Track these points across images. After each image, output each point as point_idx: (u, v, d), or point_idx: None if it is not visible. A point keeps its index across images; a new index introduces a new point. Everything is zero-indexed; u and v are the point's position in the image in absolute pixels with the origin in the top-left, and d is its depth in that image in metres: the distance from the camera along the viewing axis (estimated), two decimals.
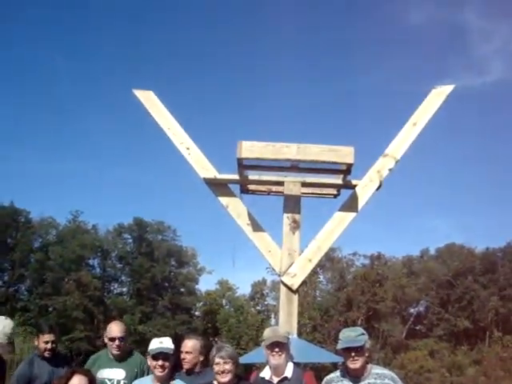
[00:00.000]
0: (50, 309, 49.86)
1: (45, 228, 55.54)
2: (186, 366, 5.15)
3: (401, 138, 7.23)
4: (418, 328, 65.00)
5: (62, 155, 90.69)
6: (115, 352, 5.47)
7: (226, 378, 4.43)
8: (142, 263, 54.50)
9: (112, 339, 5.47)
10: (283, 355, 4.64)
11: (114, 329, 5.54)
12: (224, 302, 62.99)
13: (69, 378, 3.98)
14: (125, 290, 58.19)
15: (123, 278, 58.31)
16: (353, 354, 4.27)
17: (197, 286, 60.74)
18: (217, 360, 4.46)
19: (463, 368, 57.90)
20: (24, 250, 52.14)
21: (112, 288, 58.07)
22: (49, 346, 5.67)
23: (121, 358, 5.50)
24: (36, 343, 5.84)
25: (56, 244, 52.60)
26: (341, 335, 4.44)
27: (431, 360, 57.76)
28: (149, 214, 66.33)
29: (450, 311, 62.74)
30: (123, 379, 5.35)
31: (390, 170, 7.11)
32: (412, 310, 65.99)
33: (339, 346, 4.37)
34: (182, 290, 57.76)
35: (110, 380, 5.37)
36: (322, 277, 64.34)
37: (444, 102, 7.31)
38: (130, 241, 57.97)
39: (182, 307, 55.47)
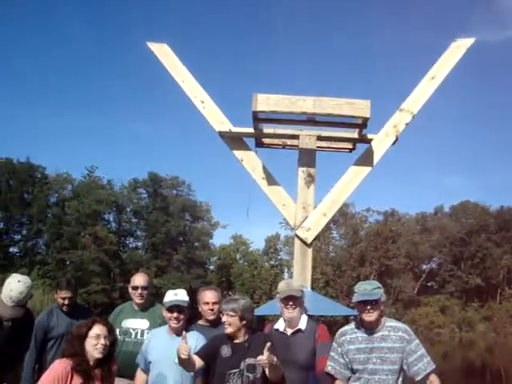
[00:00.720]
0: (68, 262, 50.63)
1: (60, 183, 55.97)
2: (212, 316, 5.14)
3: (418, 92, 7.12)
4: (429, 284, 65.51)
5: (77, 111, 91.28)
6: (138, 301, 5.57)
7: (228, 329, 4.50)
8: (156, 218, 54.97)
9: (135, 288, 5.57)
10: (297, 308, 4.66)
11: (138, 278, 5.65)
12: (238, 256, 63.65)
13: (90, 327, 4.04)
14: (140, 244, 58.94)
15: (138, 232, 58.98)
16: (368, 307, 4.29)
17: (211, 241, 61.45)
18: (223, 312, 4.54)
19: (473, 324, 58.54)
20: (41, 205, 52.70)
21: (127, 242, 58.78)
22: (66, 301, 5.83)
23: (144, 308, 5.59)
24: (55, 296, 6.00)
25: (72, 199, 53.06)
26: (356, 288, 4.44)
27: (442, 316, 58.41)
28: (163, 168, 66.80)
29: (462, 268, 63.07)
30: (147, 329, 5.43)
31: (406, 124, 7.03)
32: (424, 267, 66.40)
33: (355, 298, 4.38)
34: (197, 244, 58.33)
35: (134, 329, 5.48)
36: (335, 232, 64.80)
37: (464, 56, 7.15)
38: (145, 196, 58.38)
39: (197, 261, 56.11)
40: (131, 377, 5.23)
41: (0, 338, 4.81)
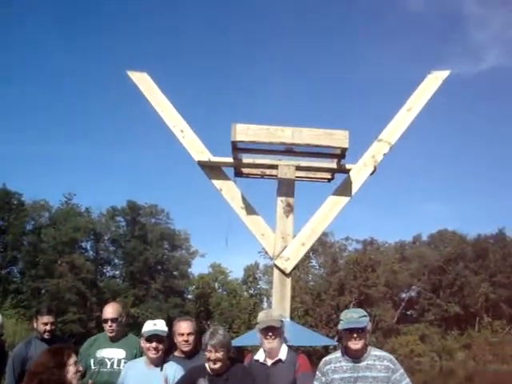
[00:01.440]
0: (43, 291, 49.82)
1: (37, 210, 55.37)
2: (187, 348, 5.07)
3: (395, 123, 7.22)
4: (409, 313, 65.56)
5: (55, 137, 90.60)
6: (110, 334, 5.47)
7: (217, 365, 4.44)
8: (135, 246, 54.53)
9: (105, 321, 5.48)
10: (277, 339, 4.64)
11: (107, 310, 5.54)
12: (217, 285, 63.24)
13: (69, 355, 3.96)
14: (118, 272, 58.33)
15: (116, 260, 58.44)
16: (355, 335, 4.29)
17: (190, 270, 61.04)
18: (209, 348, 4.44)
19: (453, 352, 58.59)
20: (16, 232, 51.95)
21: (105, 271, 58.14)
22: (48, 327, 5.76)
23: (117, 339, 5.49)
24: (35, 325, 5.88)
25: (49, 226, 52.49)
26: (343, 316, 4.44)
27: (422, 344, 58.41)
28: (142, 197, 66.40)
29: (441, 296, 63.28)
30: (123, 358, 5.34)
31: (384, 154, 7.10)
32: (404, 295, 66.49)
33: (341, 326, 4.37)
34: (175, 273, 57.91)
35: (109, 359, 5.37)
36: (314, 261, 64.76)
37: (439, 88, 7.28)
38: (123, 224, 57.97)
39: (175, 290, 55.64)
40: None
41: None
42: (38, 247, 51.12)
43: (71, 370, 3.91)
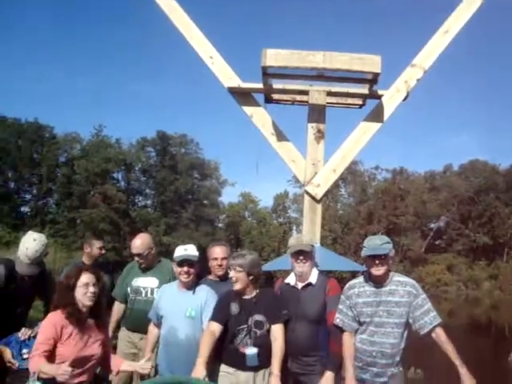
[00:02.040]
0: (78, 221, 51.09)
1: (69, 143, 56.05)
2: (221, 272, 5.20)
3: (430, 47, 6.96)
4: (437, 243, 65.64)
5: (85, 70, 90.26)
6: (142, 266, 5.66)
7: (236, 285, 4.57)
8: (165, 176, 55.11)
9: (133, 255, 5.66)
10: (308, 263, 4.69)
11: (134, 245, 5.67)
12: (246, 214, 63.99)
13: (78, 277, 4.13)
14: (149, 202, 59.32)
15: (147, 190, 59.29)
16: (377, 262, 4.33)
17: (220, 199, 61.70)
18: (230, 268, 4.62)
19: (479, 282, 58.90)
20: (50, 164, 52.96)
21: (136, 200, 59.14)
22: (103, 251, 6.24)
23: (150, 268, 5.66)
24: (88, 250, 6.18)
25: (81, 158, 53.19)
26: (366, 243, 4.48)
27: (449, 274, 58.74)
28: (172, 127, 66.37)
29: (469, 227, 63.10)
30: (156, 287, 5.50)
31: (417, 80, 6.91)
32: (432, 225, 66.45)
33: (364, 252, 4.42)
34: (205, 202, 58.59)
35: (144, 288, 5.57)
36: (343, 190, 64.74)
37: (479, 9, 6.98)
38: (154, 154, 58.42)
39: (206, 219, 56.47)
40: (145, 332, 5.33)
41: (20, 294, 4.89)
42: (72, 179, 52.09)
43: (80, 291, 4.08)
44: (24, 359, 4.61)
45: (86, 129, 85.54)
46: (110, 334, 5.46)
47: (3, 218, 47.37)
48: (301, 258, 4.68)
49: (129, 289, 5.63)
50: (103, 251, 6.28)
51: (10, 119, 53.31)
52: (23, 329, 4.74)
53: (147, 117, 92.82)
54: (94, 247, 6.20)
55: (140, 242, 5.65)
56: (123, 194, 53.93)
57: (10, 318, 4.84)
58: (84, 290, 4.09)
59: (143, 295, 5.55)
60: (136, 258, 5.63)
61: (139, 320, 5.37)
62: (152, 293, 5.50)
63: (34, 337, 4.66)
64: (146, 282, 5.59)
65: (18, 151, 51.86)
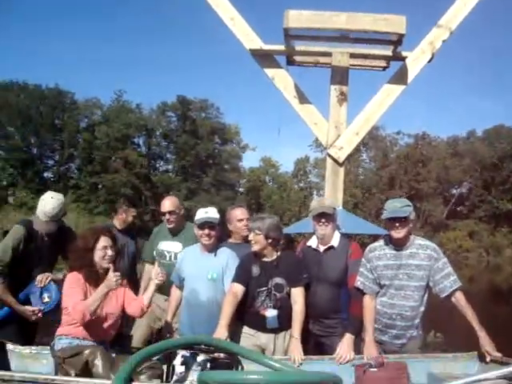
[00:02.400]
0: (100, 186, 51.57)
1: (90, 108, 56.14)
2: (244, 233, 5.20)
3: (457, 7, 6.77)
4: (459, 209, 65.11)
5: (105, 34, 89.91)
6: (168, 225, 5.66)
7: (254, 247, 4.59)
8: (186, 141, 55.16)
9: (163, 213, 5.66)
10: (330, 225, 4.67)
11: (164, 203, 5.69)
12: (267, 178, 63.98)
13: (96, 239, 4.20)
14: (170, 167, 59.50)
15: (168, 155, 59.43)
16: (397, 224, 4.30)
17: (240, 163, 61.72)
18: (251, 230, 4.62)
19: (501, 249, 58.49)
20: (71, 130, 53.24)
21: (158, 165, 59.43)
22: (128, 219, 6.16)
23: (176, 232, 5.69)
24: (122, 216, 6.16)
25: (102, 124, 53.39)
26: (386, 205, 4.45)
27: (470, 240, 58.41)
28: (192, 91, 66.10)
29: (492, 193, 62.40)
30: (180, 252, 5.51)
31: (443, 41, 6.75)
32: (454, 191, 65.84)
33: (384, 215, 4.39)
34: (226, 166, 58.70)
35: (168, 252, 5.63)
36: (365, 155, 64.24)
37: None
38: (174, 119, 58.35)
39: (226, 184, 56.64)
40: (168, 295, 5.38)
41: (41, 254, 4.95)
42: (93, 144, 52.39)
43: (98, 254, 4.16)
44: (45, 303, 4.74)
45: (106, 94, 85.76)
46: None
47: (27, 184, 48.04)
48: (323, 220, 4.66)
49: (154, 252, 5.71)
50: (135, 220, 6.32)
51: (31, 86, 53.51)
52: (38, 276, 4.85)
53: (167, 82, 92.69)
54: (130, 214, 6.22)
55: (171, 200, 5.73)
56: (144, 159, 54.13)
57: (31, 277, 4.91)
58: (102, 253, 4.17)
59: (167, 259, 5.59)
60: (167, 216, 5.62)
61: (163, 284, 5.43)
62: (176, 257, 5.53)
63: (52, 280, 4.85)
64: (170, 247, 5.64)
65: (39, 117, 52.19)
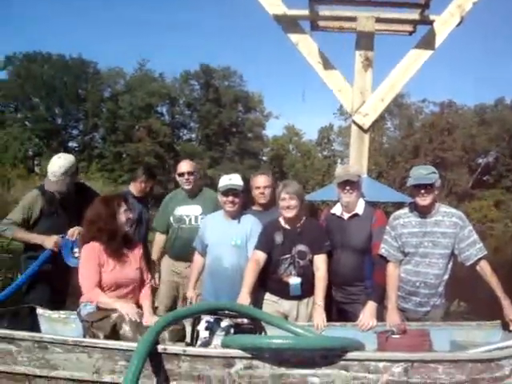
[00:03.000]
0: (124, 155, 51.92)
1: (113, 78, 56.24)
2: (263, 200, 5.18)
3: None
4: (485, 178, 64.16)
5: (127, 3, 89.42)
6: (186, 187, 5.59)
7: (291, 213, 4.51)
8: (209, 109, 55.08)
9: (181, 174, 5.58)
10: (354, 193, 4.63)
11: (183, 164, 5.65)
12: (291, 147, 63.70)
13: (118, 204, 4.22)
14: (193, 135, 59.52)
15: (191, 124, 59.44)
16: (422, 191, 4.25)
17: (264, 132, 61.44)
18: (283, 195, 4.52)
19: None
20: (95, 100, 53.46)
21: (181, 134, 59.52)
22: (146, 189, 6.12)
23: (194, 194, 5.64)
24: (141, 186, 6.12)
25: (125, 93, 53.49)
26: (412, 172, 4.39)
27: (496, 210, 57.69)
28: (215, 59, 65.66)
29: None
30: (200, 214, 5.51)
31: (473, 3, 6.55)
32: (480, 160, 64.79)
33: (409, 182, 4.34)
34: (250, 135, 58.50)
35: (187, 216, 5.56)
36: (389, 123, 63.47)
37: None
38: (197, 87, 58.18)
39: (250, 152, 56.54)
40: (190, 260, 5.39)
41: (58, 213, 5.05)
42: (117, 113, 52.61)
43: (121, 218, 4.17)
44: (75, 257, 4.79)
45: (129, 63, 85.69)
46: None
47: (52, 154, 48.41)
48: (347, 188, 4.62)
49: (171, 218, 5.61)
50: (146, 189, 6.19)
51: (55, 56, 53.74)
52: (70, 229, 4.93)
53: (190, 50, 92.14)
54: (147, 186, 6.19)
55: (188, 162, 5.70)
56: (168, 128, 54.26)
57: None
58: (125, 216, 4.19)
59: (187, 223, 5.55)
60: (185, 177, 5.56)
61: (184, 248, 5.43)
62: (196, 220, 5.51)
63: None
64: (189, 210, 5.58)
65: (63, 88, 52.48)
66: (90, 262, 4.08)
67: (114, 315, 3.85)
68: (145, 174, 6.11)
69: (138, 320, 3.88)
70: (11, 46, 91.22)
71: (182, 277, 5.59)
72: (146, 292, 4.33)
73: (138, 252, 4.37)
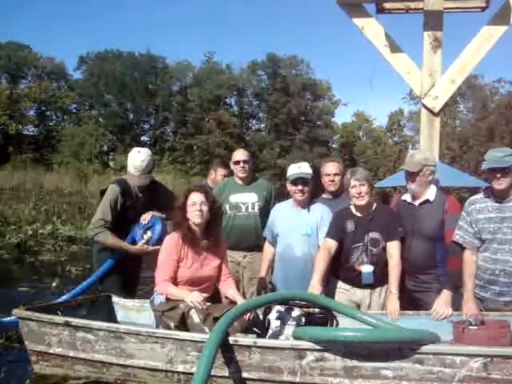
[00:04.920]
0: (194, 147, 52.69)
1: (181, 71, 57.04)
2: (333, 187, 5.15)
3: None
4: None
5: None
6: (241, 174, 5.60)
7: (363, 200, 4.44)
8: (277, 99, 54.99)
9: (236, 162, 5.59)
10: (417, 182, 4.47)
11: (238, 153, 5.68)
12: (361, 133, 62.83)
13: (187, 196, 4.27)
14: (263, 125, 59.63)
15: (260, 114, 59.47)
16: (498, 175, 4.06)
17: (333, 119, 60.79)
18: (353, 183, 4.45)
19: None
20: (164, 94, 54.45)
21: (250, 125, 59.73)
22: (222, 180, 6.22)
23: (248, 182, 5.64)
24: (212, 176, 6.43)
25: (193, 86, 54.17)
26: (487, 155, 4.21)
27: None
28: (281, 48, 65.43)
29: None
30: (257, 201, 5.51)
31: None
32: None
33: (484, 166, 4.16)
34: (319, 123, 58.02)
35: (243, 203, 5.53)
36: (462, 106, 61.39)
37: None
38: (265, 77, 58.17)
39: (320, 140, 56.11)
40: (247, 249, 5.48)
41: (136, 207, 5.13)
42: (186, 106, 53.42)
43: (190, 210, 4.22)
44: (149, 239, 4.95)
45: (196, 56, 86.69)
46: None
47: (126, 148, 49.91)
48: (412, 176, 4.50)
49: (227, 206, 5.55)
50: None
51: (125, 53, 55.21)
52: (143, 215, 5.06)
53: (257, 40, 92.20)
54: (219, 174, 6.37)
55: (243, 151, 5.74)
56: (237, 119, 54.57)
57: (127, 233, 5.11)
58: (192, 209, 4.22)
59: (243, 210, 5.52)
60: (241, 165, 5.57)
61: (241, 235, 5.46)
62: (253, 207, 5.51)
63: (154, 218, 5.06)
64: (244, 198, 5.56)
65: (134, 83, 53.77)
66: (169, 253, 4.17)
67: (182, 305, 3.93)
68: (215, 163, 6.24)
69: (204, 307, 3.92)
70: (84, 47, 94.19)
71: (242, 267, 5.57)
72: (228, 283, 4.38)
73: (220, 248, 4.42)
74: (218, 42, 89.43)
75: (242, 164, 5.58)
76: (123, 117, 54.96)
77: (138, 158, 5.06)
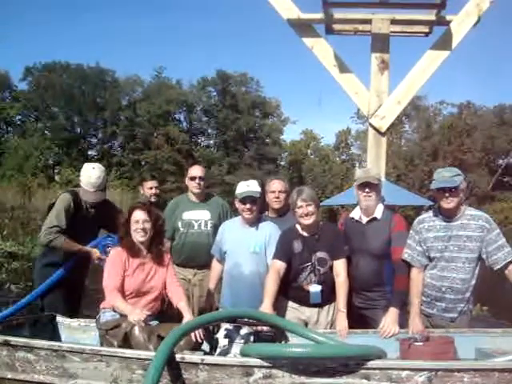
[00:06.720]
0: (143, 163, 52.18)
1: (131, 86, 56.57)
2: (278, 205, 5.15)
3: None
4: (505, 179, 63.44)
5: (141, 12, 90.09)
6: (195, 190, 5.56)
7: (310, 220, 4.46)
8: (226, 115, 55.15)
9: (193, 178, 5.55)
10: (374, 196, 4.58)
11: (194, 169, 5.63)
12: (309, 151, 63.61)
13: (130, 213, 4.32)
14: (211, 142, 59.65)
15: (209, 130, 59.49)
16: (447, 195, 4.16)
17: (282, 137, 61.32)
18: (299, 203, 4.46)
19: None
20: (113, 108, 53.80)
21: (199, 141, 59.64)
22: (153, 191, 6.36)
23: (201, 199, 5.62)
24: (141, 191, 6.49)
25: (143, 101, 53.78)
26: (435, 175, 4.30)
27: None
28: (231, 65, 65.78)
29: None
30: (210, 219, 5.49)
31: (491, 2, 6.43)
32: (501, 161, 64.04)
33: (433, 185, 4.25)
34: (268, 140, 58.40)
35: (196, 221, 5.51)
36: (407, 126, 63.06)
37: None
38: (214, 94, 58.34)
39: (268, 158, 56.42)
40: (198, 266, 5.45)
41: (85, 226, 5.03)
42: (135, 121, 52.92)
43: (132, 228, 4.28)
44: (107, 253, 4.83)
45: (146, 71, 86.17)
46: None
47: (72, 162, 48.92)
48: (367, 190, 4.57)
49: (179, 223, 5.53)
50: (154, 191, 6.37)
51: (73, 65, 54.32)
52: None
53: (207, 57, 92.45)
54: (146, 188, 6.41)
55: (200, 168, 5.69)
56: (186, 135, 54.42)
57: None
58: (135, 227, 4.26)
59: (195, 227, 5.49)
60: (197, 181, 5.53)
61: (193, 252, 5.44)
62: (205, 225, 5.48)
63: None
64: (197, 215, 5.54)
65: (82, 97, 52.93)
66: (114, 265, 4.17)
67: (124, 324, 3.87)
68: (144, 179, 6.42)
69: (146, 325, 3.87)
70: (30, 57, 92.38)
71: (192, 285, 5.53)
72: (178, 293, 4.34)
73: (165, 258, 4.41)
74: (168, 57, 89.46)
75: (197, 180, 5.56)
76: (70, 130, 53.94)
77: (94, 174, 5.00)
